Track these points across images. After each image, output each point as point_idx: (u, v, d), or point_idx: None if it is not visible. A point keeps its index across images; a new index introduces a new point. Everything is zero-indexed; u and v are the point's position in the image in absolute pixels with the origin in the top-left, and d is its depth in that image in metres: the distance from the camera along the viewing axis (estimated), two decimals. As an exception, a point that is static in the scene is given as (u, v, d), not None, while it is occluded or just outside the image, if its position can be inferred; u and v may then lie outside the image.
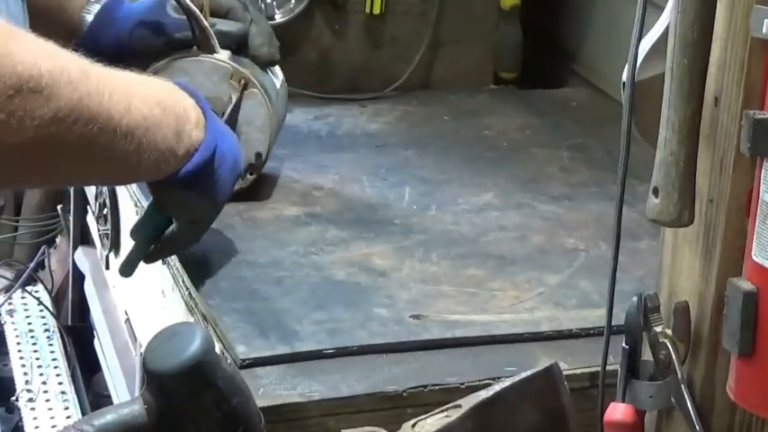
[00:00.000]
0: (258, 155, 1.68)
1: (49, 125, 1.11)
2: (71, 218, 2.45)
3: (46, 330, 2.51)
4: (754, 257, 0.97)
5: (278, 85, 1.75)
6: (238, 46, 1.69)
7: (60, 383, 2.33)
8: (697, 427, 1.08)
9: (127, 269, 1.50)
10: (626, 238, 1.20)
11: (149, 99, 1.26)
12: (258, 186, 1.73)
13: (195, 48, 1.65)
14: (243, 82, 1.64)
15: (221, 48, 1.65)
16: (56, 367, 2.38)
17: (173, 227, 1.46)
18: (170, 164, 1.31)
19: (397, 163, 1.89)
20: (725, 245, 1.05)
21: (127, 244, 1.84)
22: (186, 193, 1.36)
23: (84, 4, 1.64)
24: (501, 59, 2.33)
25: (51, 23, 1.54)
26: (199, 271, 1.51)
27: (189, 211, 1.43)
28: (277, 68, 1.77)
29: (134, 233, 1.49)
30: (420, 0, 2.21)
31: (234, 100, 1.64)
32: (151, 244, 1.48)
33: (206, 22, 1.63)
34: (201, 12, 1.62)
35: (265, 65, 1.72)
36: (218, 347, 1.11)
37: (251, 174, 1.70)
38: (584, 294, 1.50)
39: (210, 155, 1.35)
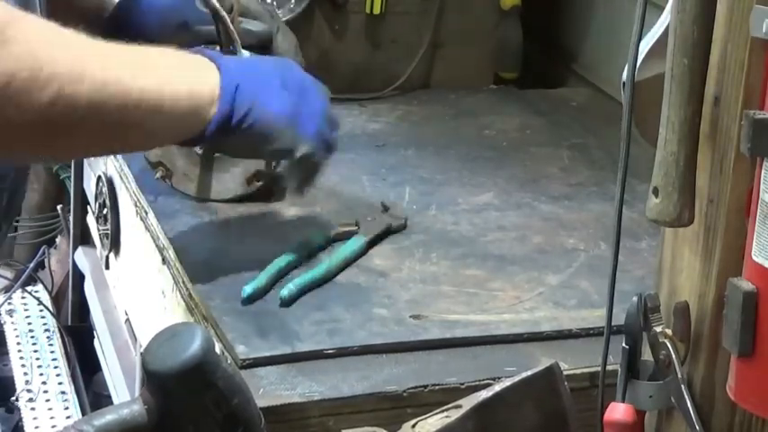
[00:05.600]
0: (268, 163, 1.68)
1: (50, 108, 1.16)
2: (71, 218, 2.45)
3: (46, 330, 2.51)
4: (754, 257, 0.97)
5: None
6: (261, 46, 1.68)
7: (60, 383, 2.33)
8: (697, 427, 1.08)
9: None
10: (626, 238, 1.20)
11: (172, 76, 1.30)
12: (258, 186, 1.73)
13: (218, 48, 1.65)
14: None
15: (244, 46, 1.65)
16: (56, 367, 2.38)
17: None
18: (193, 127, 1.33)
19: (397, 163, 1.89)
20: (725, 245, 1.05)
21: (127, 244, 1.84)
22: (231, 141, 1.38)
23: None
24: (501, 59, 2.33)
25: (71, 8, 1.55)
26: (199, 271, 1.51)
27: (252, 151, 1.44)
28: None
29: None
30: (420, 0, 2.20)
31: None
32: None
33: (231, 26, 1.62)
34: (231, 12, 1.62)
35: None
36: (218, 347, 1.11)
37: (258, 181, 1.69)
38: (585, 294, 1.50)
39: (229, 106, 1.34)
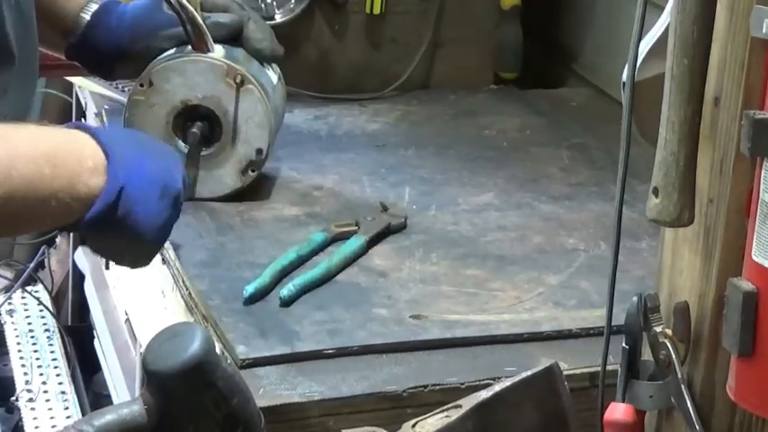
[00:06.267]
0: (259, 151, 1.68)
1: None
2: (71, 218, 2.44)
3: (46, 330, 2.51)
4: (754, 257, 0.97)
5: (275, 81, 1.75)
6: (233, 38, 1.69)
7: (60, 383, 2.33)
8: (697, 427, 1.08)
9: None
10: (626, 238, 1.20)
11: (35, 157, 1.21)
12: (258, 186, 1.73)
13: (189, 47, 1.65)
14: (239, 79, 1.65)
15: (216, 39, 1.65)
16: (56, 367, 2.38)
17: None
18: (67, 216, 1.25)
19: (397, 163, 1.89)
20: (725, 245, 1.05)
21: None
22: (101, 236, 1.30)
23: (83, 5, 1.65)
24: (501, 59, 2.33)
25: (48, 22, 1.55)
26: (199, 271, 1.51)
27: (116, 251, 1.35)
28: (274, 65, 1.77)
29: None
30: (420, 0, 2.20)
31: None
32: None
33: (201, 21, 1.63)
34: (194, 7, 1.63)
35: (269, 59, 1.73)
36: (218, 347, 1.11)
37: (252, 171, 1.70)
38: (585, 294, 1.50)
39: (115, 197, 1.26)
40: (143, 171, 1.30)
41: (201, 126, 1.68)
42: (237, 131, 1.67)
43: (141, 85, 1.66)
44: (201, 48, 1.64)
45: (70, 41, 1.64)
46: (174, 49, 1.67)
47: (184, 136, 1.69)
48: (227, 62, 1.65)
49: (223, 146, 1.69)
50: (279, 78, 1.77)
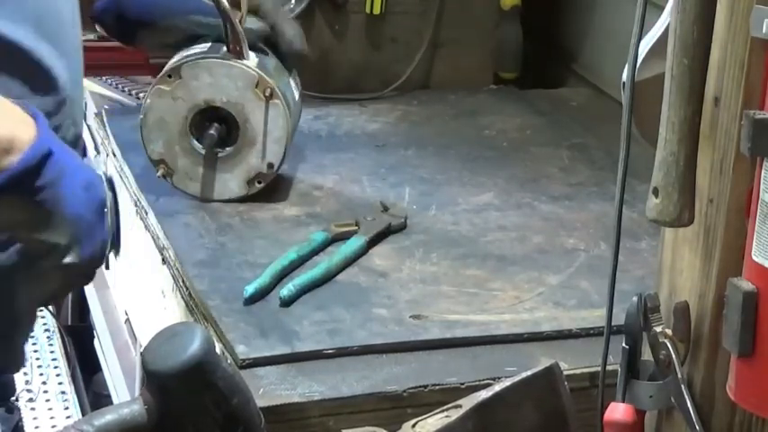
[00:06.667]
0: (270, 165, 1.69)
1: None
2: (71, 218, 2.44)
3: (46, 330, 2.51)
4: (754, 257, 0.97)
5: (296, 96, 1.76)
6: (264, 43, 1.69)
7: (60, 383, 2.33)
8: (697, 427, 1.08)
9: None
10: (626, 238, 1.20)
11: None
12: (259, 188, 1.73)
13: (225, 49, 1.66)
14: (268, 92, 1.65)
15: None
16: (56, 367, 2.37)
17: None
18: None
19: (397, 163, 1.89)
20: (725, 245, 1.05)
21: (127, 243, 1.84)
22: (17, 203, 1.15)
23: None
24: (501, 59, 2.33)
25: None
26: (199, 271, 1.51)
27: (22, 225, 1.17)
28: (297, 79, 1.78)
29: None
30: (420, 0, 2.21)
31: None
32: None
33: (240, 27, 1.63)
34: (242, 12, 1.64)
35: (296, 58, 1.73)
36: (218, 347, 1.11)
37: (259, 182, 1.70)
38: (585, 294, 1.50)
39: (42, 156, 1.14)
40: (71, 154, 1.21)
41: (219, 128, 1.68)
42: (254, 142, 1.67)
43: (169, 76, 1.66)
44: (236, 52, 1.65)
45: (97, 4, 1.64)
46: (209, 45, 1.67)
47: (199, 134, 1.69)
48: (260, 73, 1.65)
49: (237, 151, 1.69)
50: (299, 94, 1.78)
